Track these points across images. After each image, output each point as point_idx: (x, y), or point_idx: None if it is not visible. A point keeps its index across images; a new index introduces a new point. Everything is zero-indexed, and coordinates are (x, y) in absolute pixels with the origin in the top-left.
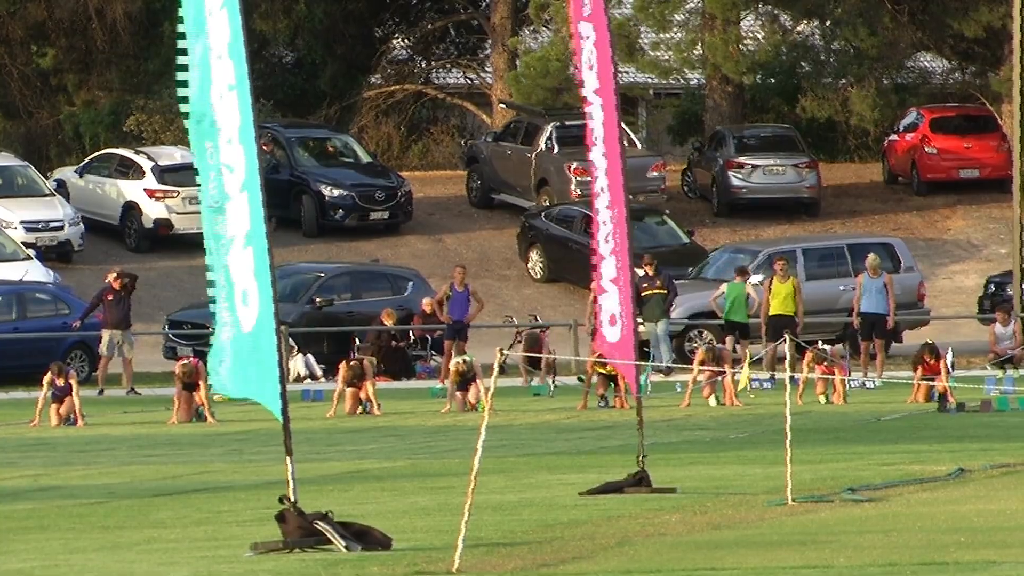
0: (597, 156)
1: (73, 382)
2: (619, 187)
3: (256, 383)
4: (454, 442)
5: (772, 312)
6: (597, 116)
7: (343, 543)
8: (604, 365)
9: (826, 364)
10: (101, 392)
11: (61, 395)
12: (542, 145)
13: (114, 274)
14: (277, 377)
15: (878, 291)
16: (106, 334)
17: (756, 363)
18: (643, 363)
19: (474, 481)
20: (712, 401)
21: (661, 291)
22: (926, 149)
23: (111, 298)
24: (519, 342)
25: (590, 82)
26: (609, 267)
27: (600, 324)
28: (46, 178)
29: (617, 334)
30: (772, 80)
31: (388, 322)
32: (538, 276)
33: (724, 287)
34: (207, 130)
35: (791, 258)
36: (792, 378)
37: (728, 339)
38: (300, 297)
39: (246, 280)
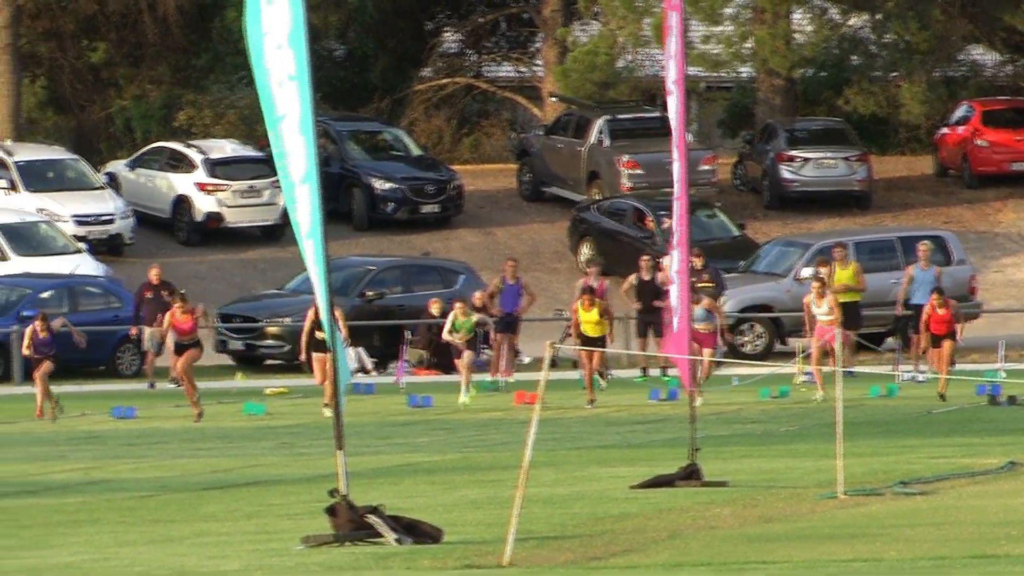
0: (675, 147)
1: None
2: (684, 179)
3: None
4: (505, 435)
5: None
6: (673, 106)
7: (394, 536)
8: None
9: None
10: (152, 385)
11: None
12: (593, 138)
13: (156, 271)
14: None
15: (930, 283)
16: (147, 330)
17: (807, 357)
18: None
19: (525, 474)
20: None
21: (709, 284)
22: (977, 142)
23: (149, 295)
24: (570, 335)
25: (671, 72)
26: (674, 258)
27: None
28: (97, 172)
29: (675, 325)
30: (823, 73)
31: (435, 310)
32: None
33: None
34: (273, 119)
35: None
36: (849, 372)
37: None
38: (351, 291)
39: (310, 271)
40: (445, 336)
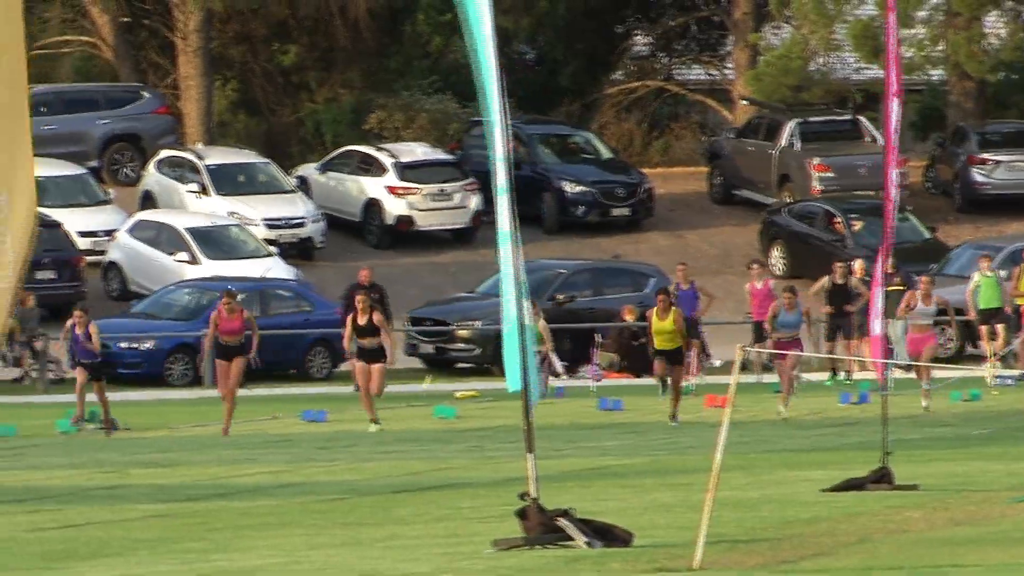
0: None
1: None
2: (890, 182)
3: (511, 377)
4: (694, 439)
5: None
6: (894, 108)
7: (584, 539)
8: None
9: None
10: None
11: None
12: (784, 141)
13: (366, 272)
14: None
15: None
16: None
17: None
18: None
19: (716, 478)
20: None
21: (900, 287)
22: None
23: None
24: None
25: (892, 74)
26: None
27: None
28: (288, 175)
29: (876, 328)
30: (1015, 76)
31: (629, 318)
32: (780, 272)
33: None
34: (488, 120)
35: None
36: None
37: (983, 328)
38: (542, 294)
39: (504, 274)
40: None
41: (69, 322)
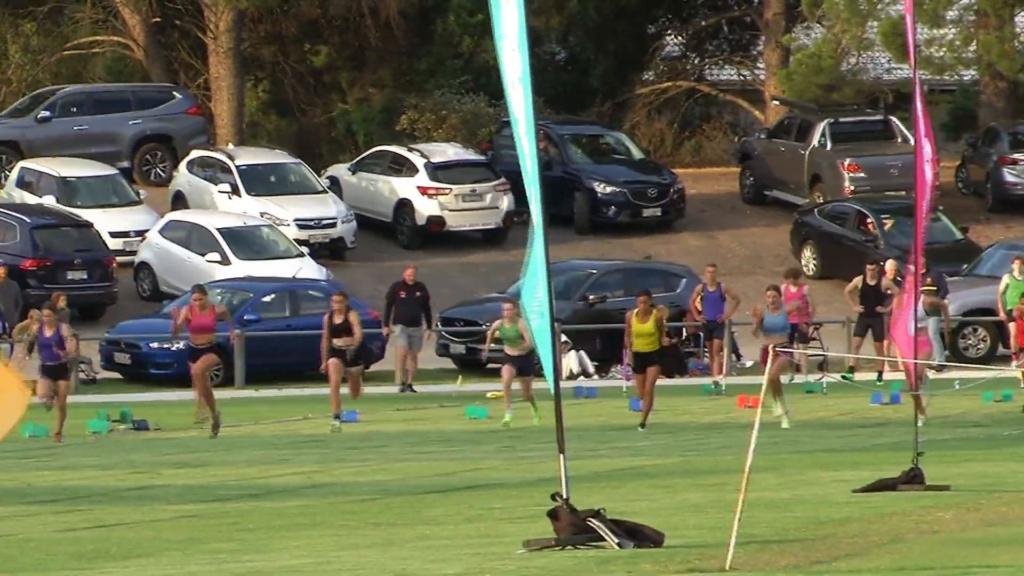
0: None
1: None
2: (924, 183)
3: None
4: (726, 439)
5: None
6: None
7: (615, 540)
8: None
9: None
10: (408, 388)
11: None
12: (815, 141)
13: (411, 271)
14: (551, 373)
15: None
16: (397, 328)
17: None
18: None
19: (747, 478)
20: None
21: (931, 288)
22: None
23: (403, 294)
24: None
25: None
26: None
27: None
28: (319, 175)
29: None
30: None
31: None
32: (811, 273)
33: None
34: (513, 120)
35: None
36: None
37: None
38: (573, 294)
39: (535, 273)
40: (488, 344)
41: (34, 324)
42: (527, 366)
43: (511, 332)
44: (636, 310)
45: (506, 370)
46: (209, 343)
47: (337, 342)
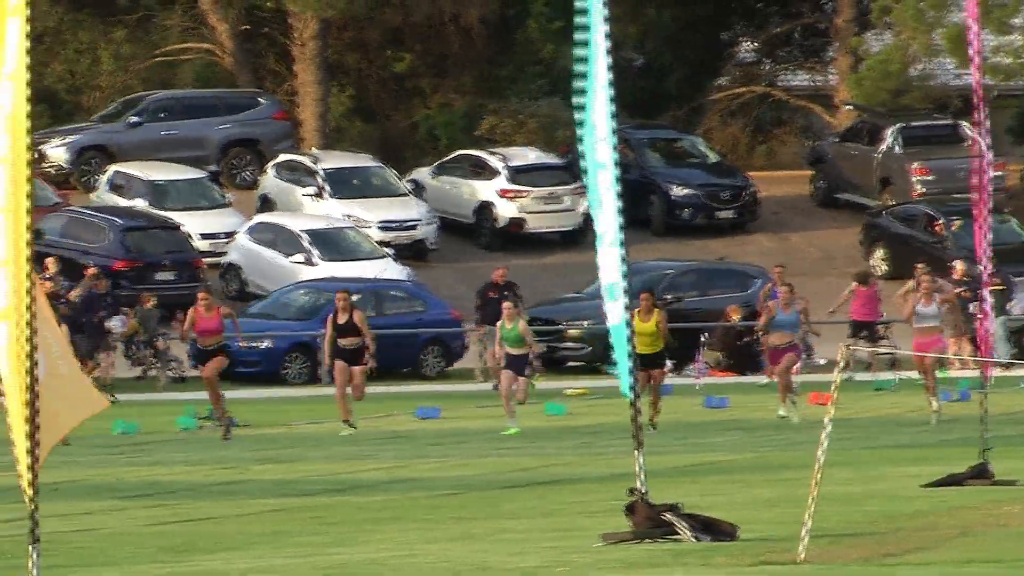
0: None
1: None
2: (985, 184)
3: (621, 375)
4: (799, 435)
5: None
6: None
7: (690, 534)
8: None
9: None
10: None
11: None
12: (886, 145)
13: (501, 271)
14: (628, 371)
15: None
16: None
17: None
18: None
19: (819, 473)
20: None
21: (999, 287)
22: None
23: (493, 295)
24: (863, 337)
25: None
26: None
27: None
28: (402, 179)
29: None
30: None
31: (734, 318)
32: (881, 273)
33: None
34: (588, 128)
35: None
36: None
37: None
38: None
39: (613, 276)
40: (496, 350)
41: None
42: (524, 368)
43: (511, 332)
44: (638, 308)
45: (504, 377)
46: (216, 344)
47: (343, 342)
